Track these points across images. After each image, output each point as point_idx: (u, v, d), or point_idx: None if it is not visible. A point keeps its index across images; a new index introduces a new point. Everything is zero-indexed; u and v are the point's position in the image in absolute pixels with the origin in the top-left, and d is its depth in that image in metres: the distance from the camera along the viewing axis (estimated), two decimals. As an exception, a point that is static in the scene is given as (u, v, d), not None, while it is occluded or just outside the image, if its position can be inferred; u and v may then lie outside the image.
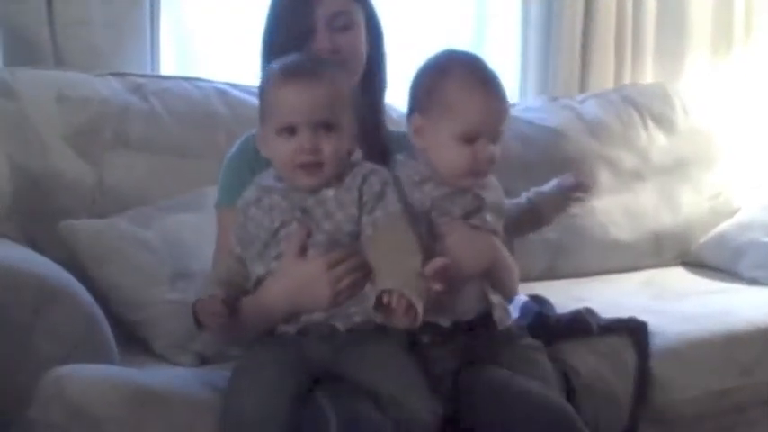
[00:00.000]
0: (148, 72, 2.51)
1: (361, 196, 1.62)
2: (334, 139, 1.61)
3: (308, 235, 1.62)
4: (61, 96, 2.24)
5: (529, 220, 1.92)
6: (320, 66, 1.67)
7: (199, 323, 1.64)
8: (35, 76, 2.26)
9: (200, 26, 2.75)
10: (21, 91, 2.20)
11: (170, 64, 2.66)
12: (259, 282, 1.67)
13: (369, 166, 1.66)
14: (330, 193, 1.63)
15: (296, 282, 1.62)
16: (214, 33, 2.75)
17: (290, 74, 1.63)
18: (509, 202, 1.85)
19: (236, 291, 1.67)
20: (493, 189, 1.78)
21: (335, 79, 1.66)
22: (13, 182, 2.13)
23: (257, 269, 1.67)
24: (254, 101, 2.40)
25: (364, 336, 1.58)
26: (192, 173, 2.30)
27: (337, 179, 1.63)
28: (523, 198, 1.92)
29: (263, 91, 1.69)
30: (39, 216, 2.14)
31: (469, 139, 1.67)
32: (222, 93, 2.47)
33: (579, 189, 1.91)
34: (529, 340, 1.80)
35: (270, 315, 1.65)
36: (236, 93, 2.48)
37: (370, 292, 1.57)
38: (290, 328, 1.63)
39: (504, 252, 1.78)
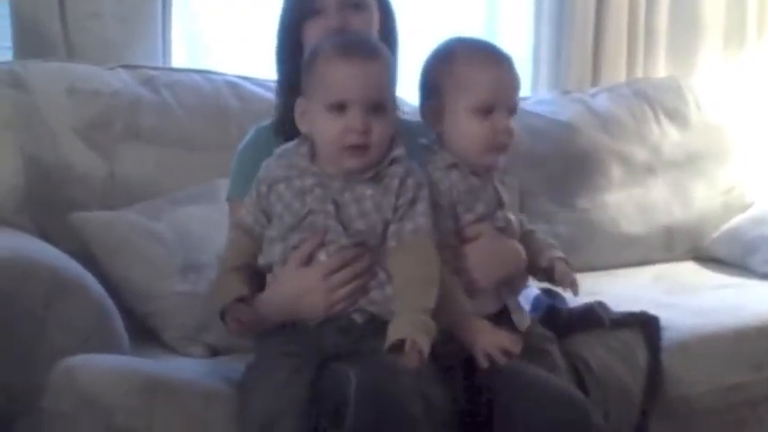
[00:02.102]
0: (159, 65, 2.52)
1: (397, 201, 1.59)
2: (382, 122, 1.58)
3: (321, 244, 1.60)
4: (73, 89, 2.24)
5: None
6: (376, 45, 1.65)
7: (223, 319, 1.63)
8: (47, 69, 2.27)
9: (212, 19, 2.76)
10: (32, 83, 2.21)
11: (181, 57, 2.67)
12: (270, 268, 1.66)
13: (406, 165, 1.62)
14: (368, 191, 1.59)
15: (293, 289, 1.62)
16: (225, 26, 2.76)
17: (348, 49, 1.59)
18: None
19: (251, 273, 1.65)
20: (511, 190, 1.79)
21: (389, 60, 1.64)
22: (25, 174, 2.14)
23: (274, 250, 1.64)
24: (266, 94, 2.44)
25: (381, 327, 1.55)
26: (203, 165, 2.31)
27: (376, 175, 1.59)
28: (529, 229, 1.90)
29: (311, 62, 1.62)
30: (50, 208, 2.15)
31: (485, 112, 1.68)
32: (233, 85, 2.47)
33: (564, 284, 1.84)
34: (540, 330, 1.81)
35: (267, 318, 1.65)
36: (247, 86, 2.49)
37: (386, 284, 1.58)
38: (304, 324, 1.62)
39: (523, 260, 1.78)
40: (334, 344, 1.59)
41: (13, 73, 2.21)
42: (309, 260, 1.61)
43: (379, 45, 1.66)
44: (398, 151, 1.62)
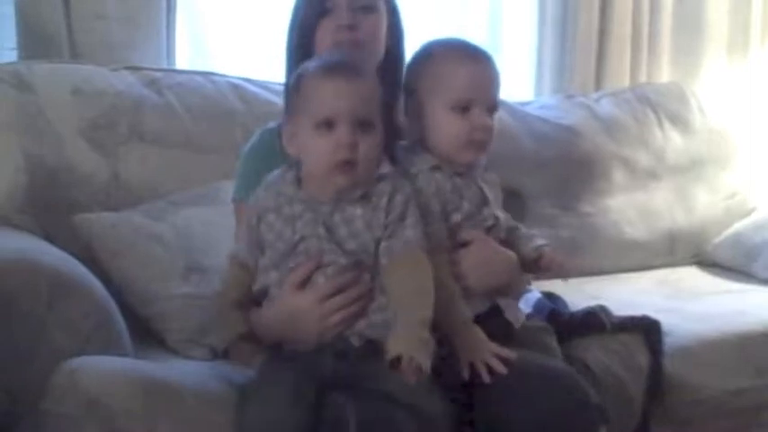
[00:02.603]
0: (164, 66, 2.52)
1: (386, 218, 1.60)
2: (370, 139, 1.59)
3: (317, 267, 1.60)
4: (77, 90, 2.24)
5: None
6: (361, 65, 1.66)
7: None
8: (51, 70, 2.27)
9: (216, 21, 2.76)
10: (37, 84, 2.21)
11: (185, 59, 2.67)
12: (265, 291, 1.66)
13: (393, 182, 1.63)
14: (358, 211, 1.60)
15: (287, 313, 1.62)
16: (229, 28, 2.76)
17: (333, 68, 1.61)
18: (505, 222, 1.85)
19: (249, 302, 1.67)
20: (494, 186, 1.80)
21: (374, 81, 1.65)
22: (28, 174, 2.14)
23: (269, 277, 1.65)
24: (269, 96, 2.44)
25: (378, 350, 1.55)
26: (207, 167, 2.30)
27: (364, 195, 1.60)
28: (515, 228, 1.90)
29: (297, 84, 1.64)
30: (53, 209, 2.14)
31: (463, 108, 1.69)
32: (237, 87, 2.47)
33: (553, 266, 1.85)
34: (537, 323, 1.82)
35: (264, 338, 1.65)
36: (250, 87, 2.49)
37: (385, 309, 1.59)
38: (304, 346, 1.61)
39: (518, 269, 1.79)
40: (333, 369, 1.58)
41: (17, 74, 2.21)
42: (305, 284, 1.61)
43: (363, 66, 1.67)
44: (385, 169, 1.63)
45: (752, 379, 2.26)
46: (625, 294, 2.57)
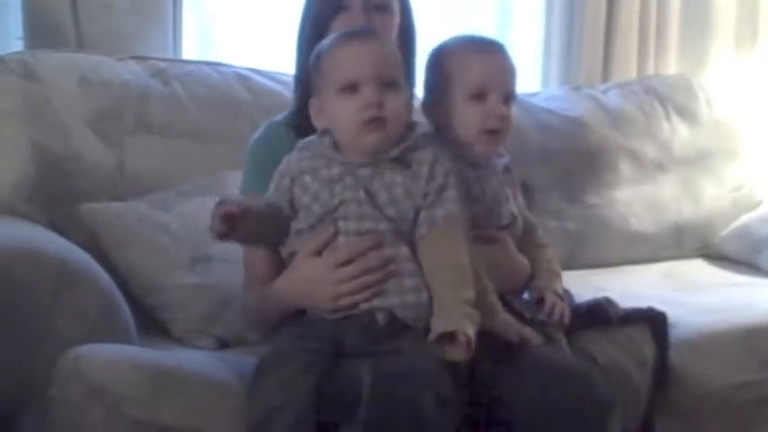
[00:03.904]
0: (170, 56, 2.52)
1: (426, 186, 1.59)
2: (396, 98, 1.59)
3: (335, 235, 1.59)
4: (83, 79, 2.24)
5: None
6: (376, 32, 1.69)
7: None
8: (57, 60, 2.27)
9: (223, 11, 2.75)
10: (43, 74, 2.21)
11: (192, 49, 2.67)
12: (291, 257, 1.66)
13: (434, 151, 1.62)
14: (398, 178, 1.59)
15: (302, 277, 1.63)
16: (236, 19, 2.76)
17: (351, 35, 1.63)
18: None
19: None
20: (514, 186, 1.82)
21: (394, 44, 1.69)
22: (35, 164, 2.14)
23: (301, 240, 1.63)
24: (276, 86, 2.44)
25: (400, 328, 1.56)
26: (213, 157, 2.31)
27: (402, 160, 1.60)
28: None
29: (316, 62, 1.65)
30: (59, 199, 2.15)
31: (479, 96, 1.70)
32: (243, 78, 2.47)
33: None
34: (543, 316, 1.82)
35: (278, 306, 1.66)
36: (257, 78, 2.48)
37: (409, 287, 1.57)
38: (330, 315, 1.61)
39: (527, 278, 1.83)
40: (353, 342, 1.58)
41: (23, 63, 2.21)
42: (319, 252, 1.61)
43: (379, 34, 1.70)
44: (422, 129, 1.64)
45: (757, 372, 2.24)
46: (631, 287, 2.56)
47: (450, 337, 1.46)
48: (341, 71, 1.59)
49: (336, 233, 1.59)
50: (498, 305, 1.67)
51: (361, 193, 1.58)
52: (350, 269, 1.58)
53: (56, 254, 1.76)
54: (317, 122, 1.65)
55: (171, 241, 2.08)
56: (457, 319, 1.47)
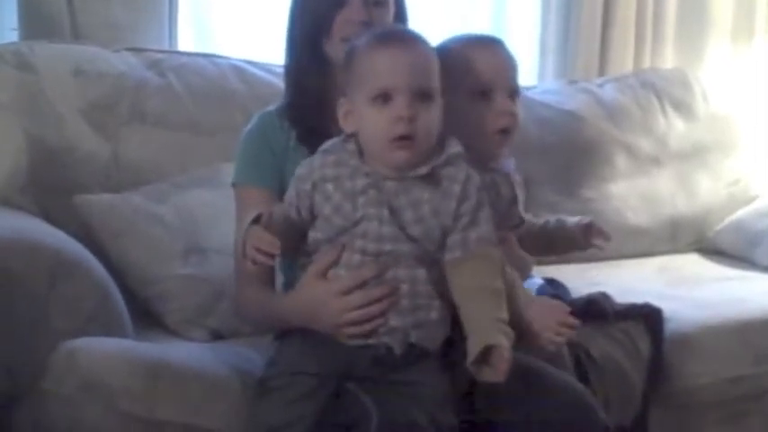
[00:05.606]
0: (166, 48, 2.51)
1: (458, 207, 1.51)
2: (429, 111, 1.49)
3: (340, 257, 1.52)
4: (78, 71, 2.24)
5: (538, 245, 1.90)
6: (417, 34, 1.57)
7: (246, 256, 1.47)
8: (53, 51, 2.26)
9: (218, 3, 2.75)
10: (38, 65, 2.20)
11: (187, 40, 2.66)
12: (304, 268, 1.60)
13: (466, 168, 1.53)
14: (425, 195, 1.51)
15: (307, 298, 1.57)
16: (232, 10, 2.75)
17: (387, 38, 1.53)
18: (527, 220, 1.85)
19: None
20: (520, 186, 1.79)
21: (432, 49, 1.57)
22: (29, 155, 2.13)
23: (314, 249, 1.58)
24: (271, 78, 2.44)
25: (415, 358, 1.52)
26: (208, 149, 2.30)
27: (431, 175, 1.51)
28: (542, 221, 1.91)
29: (349, 60, 1.55)
30: (54, 189, 2.14)
31: (484, 94, 1.66)
32: (239, 69, 2.47)
33: (600, 236, 1.88)
34: None
35: (282, 322, 1.64)
36: (252, 70, 2.48)
37: (422, 306, 1.52)
38: (344, 339, 1.54)
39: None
40: (365, 370, 1.52)
41: (18, 54, 2.20)
42: (324, 273, 1.55)
43: (419, 34, 1.57)
44: (455, 149, 1.54)
45: (752, 366, 2.26)
46: (627, 281, 2.57)
47: (485, 357, 1.42)
48: (374, 78, 1.49)
49: (341, 256, 1.52)
50: (530, 294, 1.65)
51: (385, 212, 1.49)
52: (355, 299, 1.51)
53: (50, 245, 1.75)
54: (345, 125, 1.55)
55: (165, 233, 2.08)
56: (495, 335, 1.43)
